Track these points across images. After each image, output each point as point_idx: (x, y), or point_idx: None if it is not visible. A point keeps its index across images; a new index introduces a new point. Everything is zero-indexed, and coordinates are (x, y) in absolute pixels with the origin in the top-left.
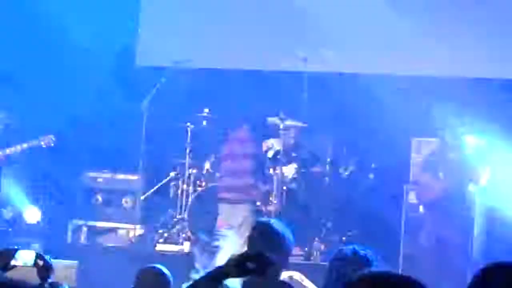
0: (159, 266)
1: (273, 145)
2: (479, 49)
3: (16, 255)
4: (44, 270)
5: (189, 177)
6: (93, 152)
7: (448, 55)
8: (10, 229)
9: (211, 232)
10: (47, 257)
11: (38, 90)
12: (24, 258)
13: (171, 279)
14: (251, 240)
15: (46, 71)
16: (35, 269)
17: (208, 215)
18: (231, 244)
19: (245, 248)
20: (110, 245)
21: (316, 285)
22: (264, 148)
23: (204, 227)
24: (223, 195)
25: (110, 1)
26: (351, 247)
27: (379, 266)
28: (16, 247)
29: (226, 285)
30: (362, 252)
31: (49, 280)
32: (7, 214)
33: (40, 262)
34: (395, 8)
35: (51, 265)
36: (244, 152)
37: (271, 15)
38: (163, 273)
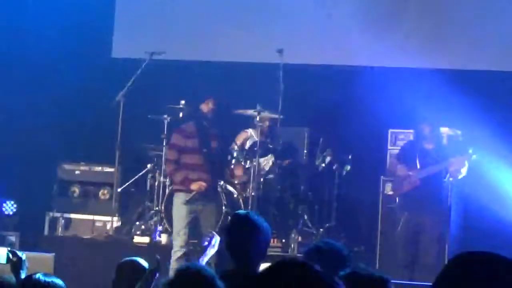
0: (138, 259)
1: (251, 135)
2: (447, 40)
3: None
4: (18, 264)
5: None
6: (69, 144)
7: (419, 46)
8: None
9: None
10: (19, 252)
11: (12, 81)
12: None
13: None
14: (228, 232)
15: (20, 62)
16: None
17: None
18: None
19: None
20: (87, 237)
21: None
22: (242, 139)
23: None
24: None
25: None
26: (325, 241)
27: (355, 259)
28: None
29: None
30: (336, 246)
31: (22, 274)
32: None
33: (14, 258)
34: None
35: (23, 260)
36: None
37: (247, 6)
38: (143, 265)
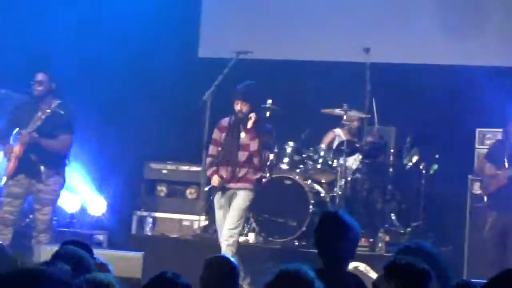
0: (227, 255)
1: (339, 134)
2: None
3: None
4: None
5: None
6: (157, 143)
7: (508, 44)
8: (74, 220)
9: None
10: None
11: (100, 80)
12: None
13: (239, 268)
14: (318, 232)
15: (107, 61)
16: None
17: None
18: None
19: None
20: (175, 236)
21: None
22: (329, 138)
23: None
24: None
25: None
26: (414, 241)
27: (443, 258)
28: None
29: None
30: (425, 246)
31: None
32: (73, 206)
33: None
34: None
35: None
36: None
37: (334, 5)
38: (232, 262)
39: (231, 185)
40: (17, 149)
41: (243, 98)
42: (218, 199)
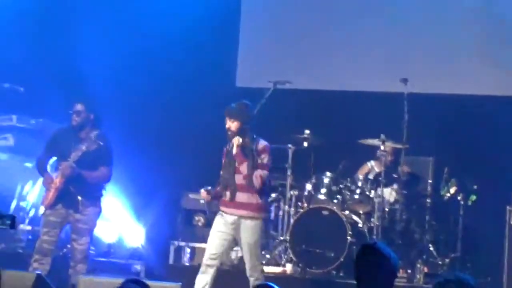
0: (271, 284)
1: (373, 167)
2: None
3: None
4: None
5: (290, 199)
6: (195, 174)
7: None
8: (112, 250)
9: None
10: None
11: (142, 112)
12: None
13: None
14: (358, 263)
15: (148, 90)
16: None
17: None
18: None
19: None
20: None
21: None
22: (365, 170)
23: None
24: None
25: (211, 23)
26: (453, 273)
27: None
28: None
29: None
30: (464, 279)
31: None
32: (110, 236)
33: None
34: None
35: None
36: None
37: (371, 35)
38: None
39: (233, 210)
40: (57, 180)
41: (230, 115)
42: (217, 222)
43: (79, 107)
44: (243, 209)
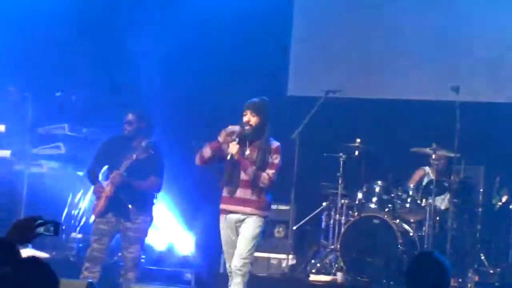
0: None
1: (429, 173)
2: None
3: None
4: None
5: (341, 207)
6: None
7: None
8: (162, 258)
9: None
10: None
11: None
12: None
13: None
14: (411, 271)
15: (199, 98)
16: None
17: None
18: None
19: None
20: (263, 275)
21: None
22: (419, 176)
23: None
24: None
25: (262, 32)
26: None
27: None
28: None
29: None
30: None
31: None
32: (161, 244)
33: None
34: None
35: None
36: None
37: (423, 44)
38: None
39: (234, 207)
40: (108, 189)
41: (252, 109)
42: (224, 232)
43: (130, 116)
44: (244, 206)
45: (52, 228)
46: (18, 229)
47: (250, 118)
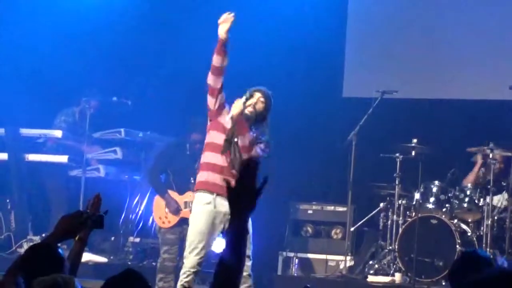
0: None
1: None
2: None
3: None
4: None
5: (398, 208)
6: (302, 184)
7: None
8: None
9: None
10: None
11: None
12: None
13: None
14: (454, 269)
15: None
16: None
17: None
18: None
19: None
20: (321, 276)
21: None
22: (474, 176)
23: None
24: None
25: (317, 33)
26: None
27: None
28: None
29: None
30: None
31: None
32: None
33: None
34: None
35: None
36: None
37: (479, 43)
38: None
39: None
40: (185, 212)
41: (265, 96)
42: (204, 213)
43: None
44: None
45: (97, 221)
46: (65, 223)
47: (258, 101)
